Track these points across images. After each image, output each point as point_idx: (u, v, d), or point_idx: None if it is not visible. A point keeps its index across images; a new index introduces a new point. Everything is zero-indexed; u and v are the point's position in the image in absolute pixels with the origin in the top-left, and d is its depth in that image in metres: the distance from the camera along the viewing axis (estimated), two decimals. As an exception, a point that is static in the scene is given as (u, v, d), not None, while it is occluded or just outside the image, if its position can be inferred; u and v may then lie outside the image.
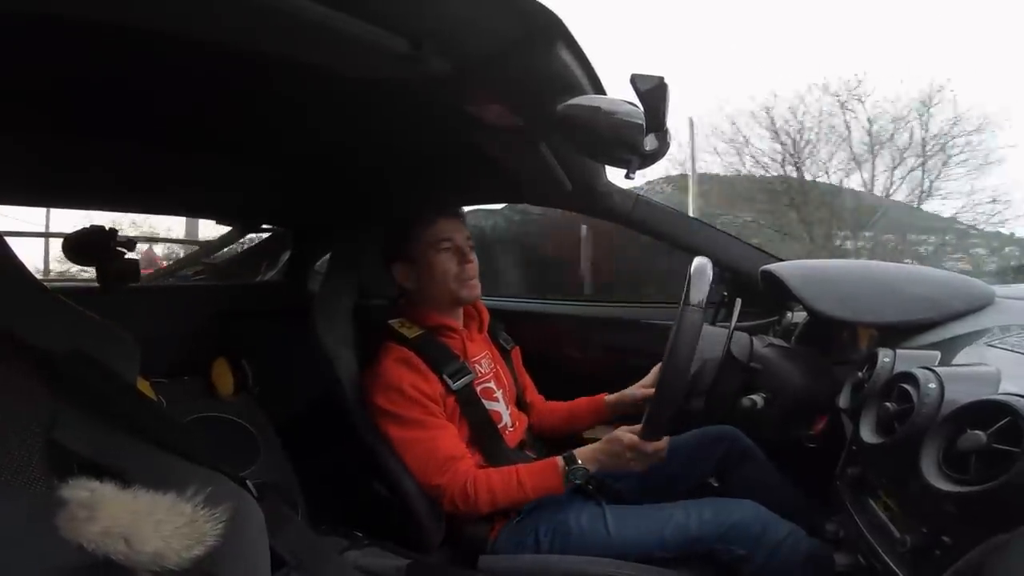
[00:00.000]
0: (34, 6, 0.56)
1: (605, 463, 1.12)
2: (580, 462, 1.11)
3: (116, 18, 0.59)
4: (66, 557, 0.52)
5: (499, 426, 1.25)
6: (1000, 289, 1.10)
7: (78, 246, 1.45)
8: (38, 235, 1.60)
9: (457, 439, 1.18)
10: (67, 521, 0.52)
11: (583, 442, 1.18)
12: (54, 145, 1.07)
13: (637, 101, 0.72)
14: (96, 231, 1.44)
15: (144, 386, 1.40)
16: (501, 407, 1.30)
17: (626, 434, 1.09)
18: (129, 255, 1.50)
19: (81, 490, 0.53)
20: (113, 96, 0.91)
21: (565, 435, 1.43)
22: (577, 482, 1.11)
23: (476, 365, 1.29)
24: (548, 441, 1.40)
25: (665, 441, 1.10)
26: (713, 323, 1.38)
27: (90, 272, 1.46)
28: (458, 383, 1.19)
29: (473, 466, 1.15)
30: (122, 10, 0.58)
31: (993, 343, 0.91)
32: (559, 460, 1.12)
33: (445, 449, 1.14)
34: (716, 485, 1.35)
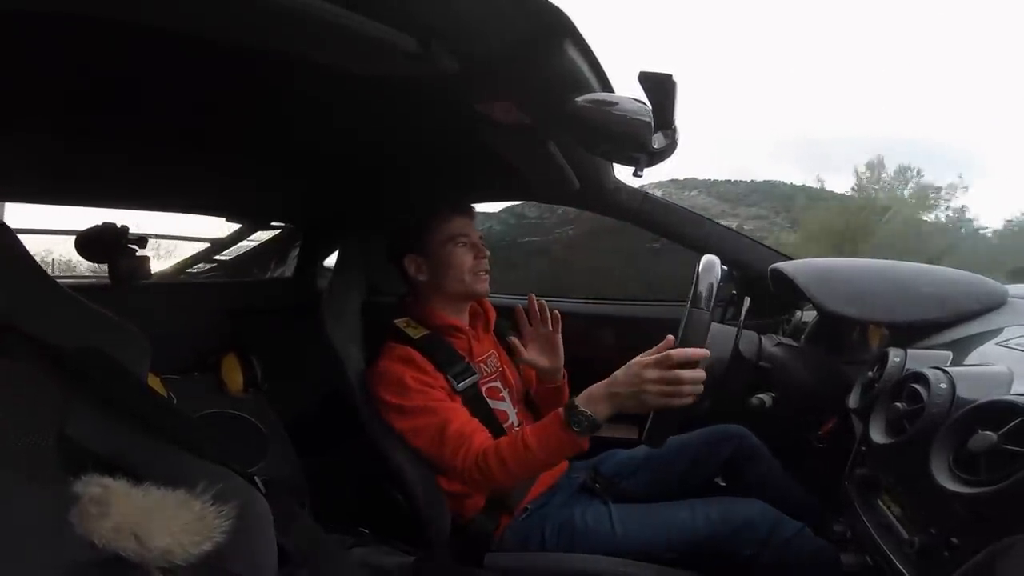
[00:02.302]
0: (46, 5, 0.57)
1: (620, 395, 0.99)
2: (580, 406, 1.01)
3: (126, 17, 0.59)
4: (78, 552, 0.52)
5: (505, 425, 1.25)
6: (1013, 289, 1.09)
7: (90, 243, 1.46)
8: (44, 232, 1.61)
9: (467, 416, 1.16)
10: (79, 517, 0.52)
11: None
12: (63, 144, 1.08)
13: (645, 99, 0.72)
14: (108, 228, 1.46)
15: (155, 382, 1.41)
16: (507, 406, 1.30)
17: (645, 356, 0.97)
18: (140, 252, 1.51)
19: (94, 486, 0.54)
20: (122, 95, 0.92)
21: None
22: (579, 429, 1.00)
23: (482, 364, 1.29)
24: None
25: (687, 353, 0.94)
26: (722, 321, 1.38)
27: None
28: (462, 384, 1.19)
29: (487, 439, 1.12)
30: (133, 9, 0.59)
31: (1006, 343, 0.90)
32: (561, 410, 1.04)
33: (456, 430, 1.12)
34: (723, 484, 1.34)
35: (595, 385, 1.03)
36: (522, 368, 1.44)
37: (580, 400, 1.02)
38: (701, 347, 0.93)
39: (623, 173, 1.41)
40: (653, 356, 0.96)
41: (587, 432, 1.01)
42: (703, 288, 0.95)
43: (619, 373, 1.00)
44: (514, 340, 1.29)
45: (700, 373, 0.94)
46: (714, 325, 1.09)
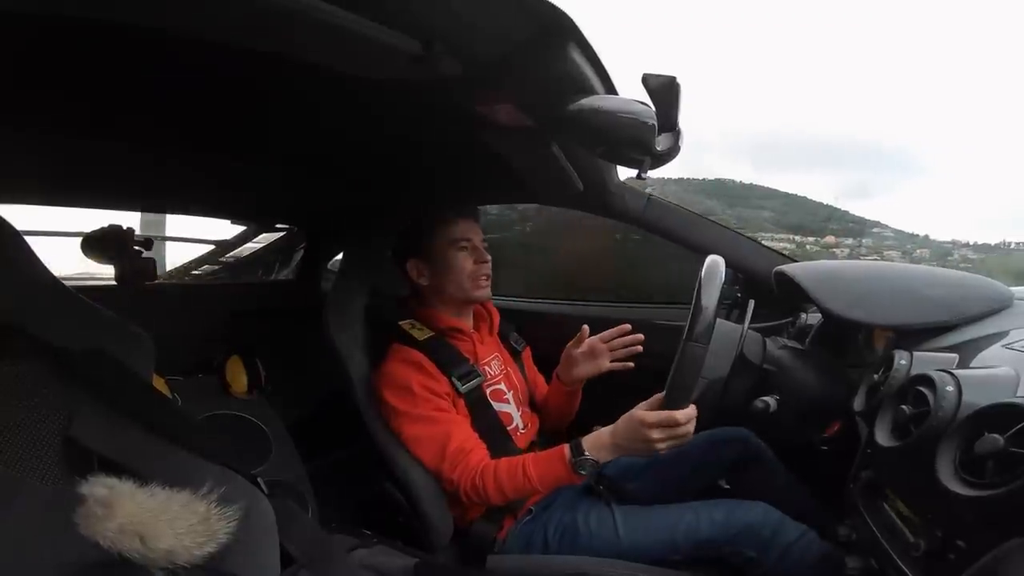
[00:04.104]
0: (51, 7, 0.57)
1: (623, 447, 1.01)
2: (587, 452, 1.03)
3: (132, 19, 0.60)
4: (82, 553, 0.53)
5: (509, 428, 1.25)
6: (1019, 291, 1.09)
7: (97, 245, 1.47)
8: (51, 234, 1.62)
9: (469, 431, 1.17)
10: (84, 518, 0.52)
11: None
12: (69, 145, 1.09)
13: (649, 101, 0.72)
14: (114, 231, 1.47)
15: (160, 384, 1.42)
16: (512, 409, 1.30)
17: (647, 412, 0.97)
18: (146, 254, 1.52)
19: (99, 487, 0.54)
20: (128, 97, 0.92)
21: (564, 413, 1.42)
22: (583, 472, 1.03)
23: (486, 367, 1.29)
24: (559, 441, 1.40)
25: (692, 413, 0.96)
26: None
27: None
28: (467, 386, 1.19)
29: (484, 457, 1.14)
30: (139, 11, 0.59)
31: (1011, 345, 0.90)
32: (566, 449, 1.06)
33: (455, 442, 1.14)
34: (727, 487, 1.34)
35: (600, 432, 1.05)
36: (528, 372, 1.45)
37: (587, 444, 1.04)
38: (694, 381, 0.91)
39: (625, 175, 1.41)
40: (655, 416, 0.95)
41: (589, 473, 1.04)
42: (700, 321, 0.89)
43: (621, 428, 1.01)
44: (585, 332, 1.29)
45: (690, 417, 0.96)
46: (719, 325, 1.09)
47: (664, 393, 0.96)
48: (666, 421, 0.95)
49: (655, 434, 0.96)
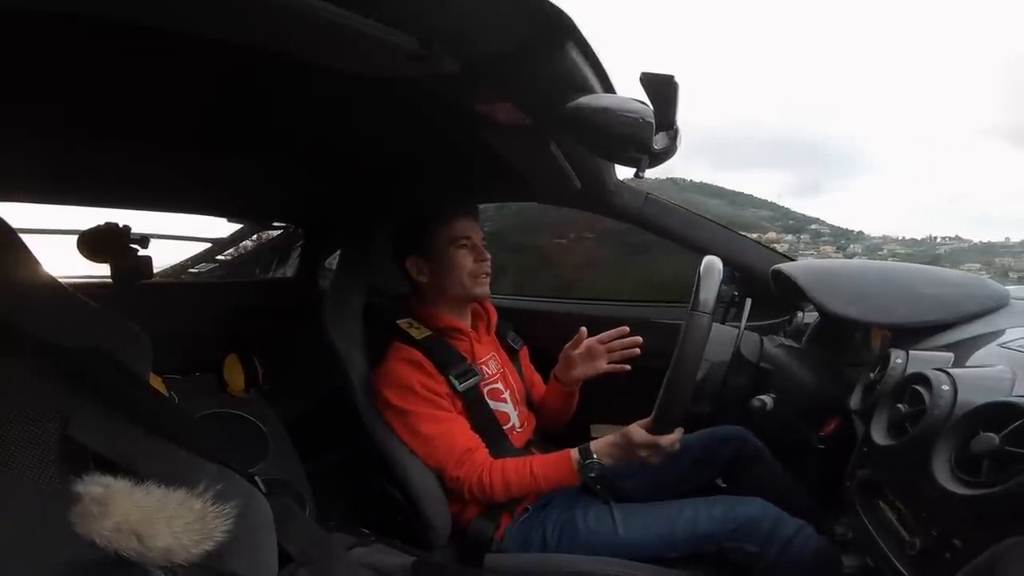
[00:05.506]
0: (50, 5, 0.57)
1: (619, 457, 1.10)
2: (596, 456, 1.10)
3: (130, 17, 0.60)
4: (78, 552, 0.52)
5: (506, 427, 1.25)
6: (1015, 290, 1.09)
7: (93, 243, 1.46)
8: (47, 232, 1.61)
9: (470, 431, 1.19)
10: (80, 516, 0.52)
11: (588, 437, 1.19)
12: (66, 144, 1.08)
13: (647, 100, 0.72)
14: (110, 228, 1.46)
15: (157, 382, 1.41)
16: (508, 408, 1.30)
17: (638, 431, 1.07)
18: (142, 252, 1.51)
19: (95, 486, 0.54)
20: (125, 95, 0.92)
21: (561, 413, 1.43)
22: (591, 475, 1.11)
23: (483, 366, 1.29)
24: (555, 440, 1.40)
25: (678, 433, 1.07)
26: (723, 323, 1.37)
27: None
28: (464, 384, 1.19)
29: (487, 455, 1.17)
30: (137, 9, 0.59)
31: (1007, 344, 0.90)
32: (574, 453, 1.12)
33: (461, 442, 1.16)
34: (724, 486, 1.34)
35: (599, 441, 1.13)
36: (525, 371, 1.45)
37: (594, 448, 1.11)
38: (701, 352, 0.96)
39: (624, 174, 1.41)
40: (644, 439, 1.06)
41: (591, 475, 1.12)
42: (703, 292, 0.96)
43: (615, 448, 1.10)
44: (583, 334, 1.31)
45: (675, 437, 1.07)
46: (716, 326, 1.09)
47: (669, 368, 1.00)
48: (651, 444, 1.06)
49: (644, 452, 1.07)
